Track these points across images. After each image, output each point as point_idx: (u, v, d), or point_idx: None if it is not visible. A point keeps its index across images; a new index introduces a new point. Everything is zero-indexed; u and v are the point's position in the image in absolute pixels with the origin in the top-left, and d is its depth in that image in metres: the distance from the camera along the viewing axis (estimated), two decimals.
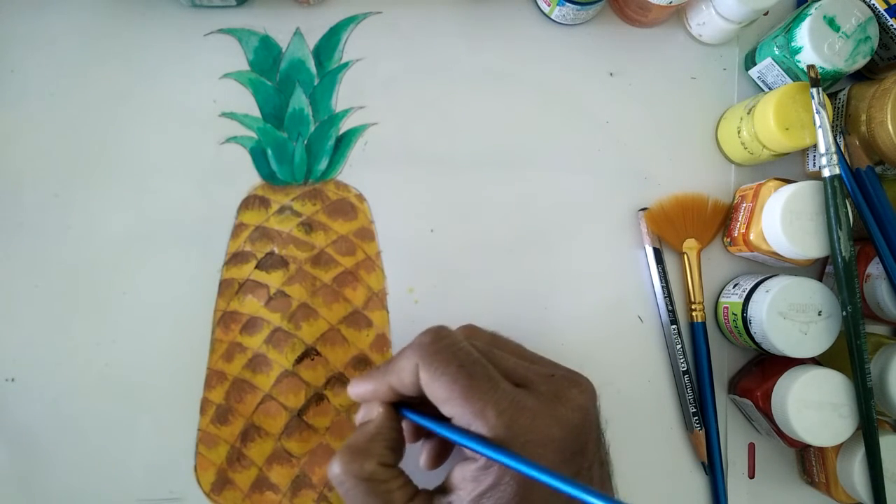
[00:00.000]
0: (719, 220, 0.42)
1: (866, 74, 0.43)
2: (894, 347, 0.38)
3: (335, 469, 0.29)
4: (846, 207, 0.36)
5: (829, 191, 0.36)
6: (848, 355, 0.36)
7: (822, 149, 0.37)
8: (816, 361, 0.39)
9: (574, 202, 0.43)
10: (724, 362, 0.43)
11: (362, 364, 0.40)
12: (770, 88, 0.43)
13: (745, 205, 0.41)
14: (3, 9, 0.41)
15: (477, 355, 0.29)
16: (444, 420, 0.29)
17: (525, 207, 0.42)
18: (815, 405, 0.36)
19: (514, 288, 0.42)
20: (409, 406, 0.31)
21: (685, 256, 0.42)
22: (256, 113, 0.42)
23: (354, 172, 0.42)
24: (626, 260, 0.43)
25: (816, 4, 0.38)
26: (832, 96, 0.42)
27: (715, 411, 0.41)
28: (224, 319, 0.40)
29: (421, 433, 0.34)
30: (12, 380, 0.39)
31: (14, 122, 0.40)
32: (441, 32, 0.43)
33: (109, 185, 0.40)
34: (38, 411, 0.39)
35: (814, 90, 0.37)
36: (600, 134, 0.43)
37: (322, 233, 0.41)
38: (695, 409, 0.41)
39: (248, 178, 0.41)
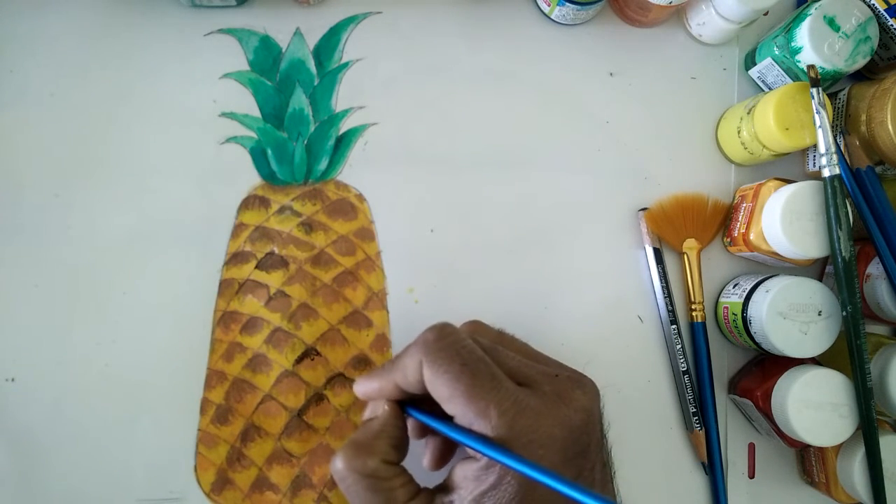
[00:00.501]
0: (719, 220, 0.42)
1: (866, 74, 0.43)
2: (894, 347, 0.38)
3: (338, 465, 0.28)
4: (846, 207, 0.36)
5: (829, 191, 0.36)
6: (848, 355, 0.36)
7: (822, 149, 0.37)
8: (816, 361, 0.39)
9: (574, 202, 0.43)
10: (724, 362, 0.43)
11: (362, 364, 0.40)
12: (770, 88, 0.43)
13: (745, 205, 0.41)
14: (3, 9, 0.41)
15: (480, 353, 0.29)
16: (448, 419, 0.29)
17: (525, 207, 0.42)
18: (815, 405, 0.36)
19: (514, 288, 0.42)
20: (414, 404, 0.31)
21: (685, 256, 0.42)
22: (256, 113, 0.42)
23: (354, 172, 0.42)
24: (626, 260, 0.43)
25: (816, 4, 0.38)
26: (832, 96, 0.42)
27: (715, 411, 0.41)
28: (224, 319, 0.40)
29: (426, 430, 0.34)
30: (12, 380, 0.39)
31: (14, 122, 0.40)
32: (441, 32, 0.43)
33: (109, 185, 0.40)
34: (38, 411, 0.39)
35: (814, 90, 0.37)
36: (600, 134, 0.43)
37: (322, 233, 0.41)
38: (695, 409, 0.41)
39: (248, 178, 0.41)
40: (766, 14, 0.45)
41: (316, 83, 0.42)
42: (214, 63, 0.42)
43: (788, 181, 0.39)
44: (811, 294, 0.37)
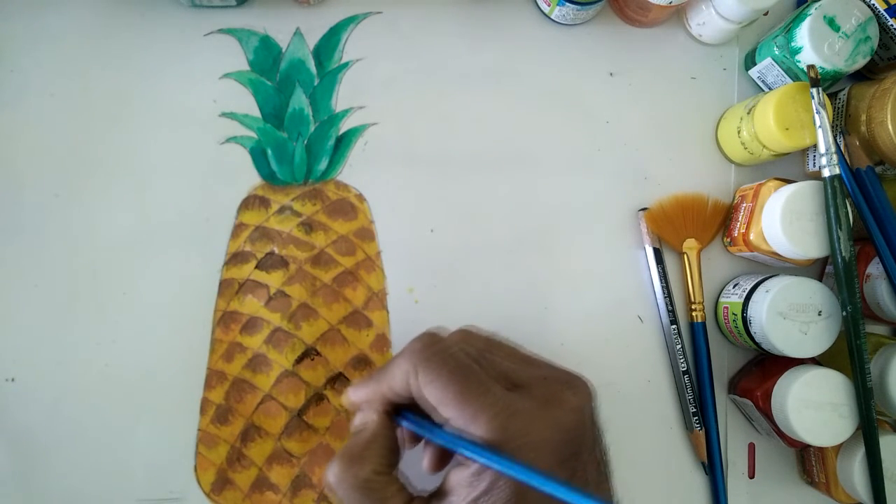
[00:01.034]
0: (719, 220, 0.42)
1: (866, 74, 0.43)
2: (894, 347, 0.38)
3: (330, 477, 0.29)
4: (846, 207, 0.36)
5: (829, 191, 0.36)
6: (848, 355, 0.36)
7: (822, 149, 0.37)
8: (816, 361, 0.39)
9: (574, 202, 0.43)
10: (724, 362, 0.43)
11: (362, 364, 0.40)
12: (770, 88, 0.43)
13: (745, 205, 0.41)
14: (3, 9, 0.41)
15: (468, 360, 0.29)
16: (439, 426, 0.29)
17: (525, 207, 0.42)
18: (815, 405, 0.36)
19: (514, 288, 0.42)
20: (407, 411, 0.31)
21: (685, 256, 0.42)
22: (256, 113, 0.42)
23: (354, 172, 0.42)
24: (626, 260, 0.43)
25: (816, 4, 0.38)
26: (832, 96, 0.42)
27: (715, 411, 0.41)
28: (224, 319, 0.40)
29: (419, 438, 0.34)
30: (12, 380, 0.39)
31: (14, 122, 0.40)
32: (441, 32, 0.43)
33: (109, 185, 0.40)
34: (38, 411, 0.39)
35: (814, 90, 0.37)
36: (600, 134, 0.43)
37: (322, 233, 0.41)
38: (695, 409, 0.41)
39: (248, 178, 0.41)
40: (766, 14, 0.45)
41: (316, 83, 0.42)
42: (214, 63, 0.42)
43: (788, 181, 0.39)
44: (811, 294, 0.37)
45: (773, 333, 0.37)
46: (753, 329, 0.38)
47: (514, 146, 0.43)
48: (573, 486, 0.24)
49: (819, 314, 0.37)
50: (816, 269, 0.44)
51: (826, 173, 0.36)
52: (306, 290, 0.40)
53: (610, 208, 0.43)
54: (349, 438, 0.31)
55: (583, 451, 0.29)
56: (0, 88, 0.41)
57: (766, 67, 0.42)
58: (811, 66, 0.37)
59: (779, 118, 0.38)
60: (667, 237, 0.42)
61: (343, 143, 0.42)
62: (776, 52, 0.40)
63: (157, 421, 0.39)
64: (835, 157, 0.36)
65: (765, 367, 0.41)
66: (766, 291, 0.37)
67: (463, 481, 0.27)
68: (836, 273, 0.36)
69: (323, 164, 0.42)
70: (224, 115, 0.41)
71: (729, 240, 0.42)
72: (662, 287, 0.42)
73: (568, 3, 0.40)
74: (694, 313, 0.42)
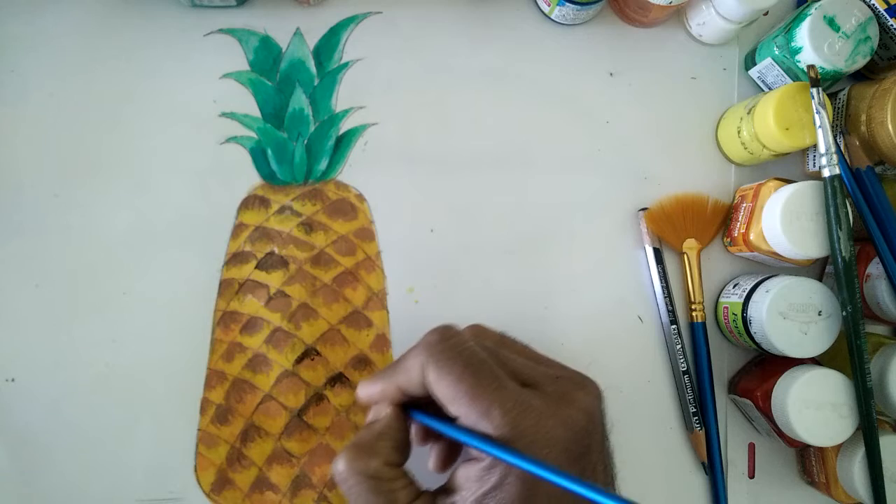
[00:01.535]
0: (719, 220, 0.42)
1: (866, 74, 0.43)
2: (894, 347, 0.38)
3: (339, 466, 0.28)
4: (846, 207, 0.36)
5: (829, 191, 0.36)
6: (848, 355, 0.36)
7: (822, 149, 0.37)
8: (816, 361, 0.39)
9: (574, 202, 0.43)
10: (724, 362, 0.43)
11: (362, 364, 0.40)
12: (770, 88, 0.43)
13: (745, 205, 0.41)
14: (3, 9, 0.41)
15: (483, 355, 0.29)
16: (452, 421, 0.29)
17: (525, 207, 0.42)
18: (815, 405, 0.36)
19: (514, 288, 0.42)
20: (418, 407, 0.31)
21: (685, 256, 0.42)
22: (256, 113, 0.42)
23: (354, 172, 0.42)
24: (626, 260, 0.43)
25: (816, 4, 0.38)
26: (832, 96, 0.42)
27: (715, 411, 0.41)
28: (224, 319, 0.40)
29: (430, 436, 0.34)
30: (12, 380, 0.39)
31: (14, 122, 0.40)
32: (441, 32, 0.43)
33: (109, 185, 0.40)
34: (38, 411, 0.39)
35: (814, 90, 0.37)
36: (600, 134, 0.43)
37: (322, 233, 0.41)
38: (695, 409, 0.41)
39: (248, 178, 0.41)
40: (766, 14, 0.45)
41: (316, 83, 0.42)
42: (214, 63, 0.42)
43: (788, 181, 0.39)
44: (811, 294, 0.37)
45: (773, 333, 0.37)
46: (753, 329, 0.38)
47: (515, 146, 0.43)
48: (586, 482, 0.24)
49: (819, 314, 0.37)
50: (816, 269, 0.44)
51: (826, 173, 0.36)
52: (306, 290, 0.40)
53: (610, 208, 0.43)
54: (360, 430, 0.31)
55: (592, 451, 0.29)
56: (0, 88, 0.41)
57: (766, 67, 0.42)
58: (811, 66, 0.37)
59: (779, 118, 0.38)
60: (667, 237, 0.42)
61: (343, 143, 0.42)
62: (776, 52, 0.40)
63: (157, 421, 0.39)
64: (835, 157, 0.36)
65: (765, 367, 0.41)
66: (766, 291, 0.37)
67: (472, 476, 0.27)
68: (836, 273, 0.36)
69: (323, 164, 0.42)
70: (224, 115, 0.41)
71: (729, 240, 0.42)
72: (662, 287, 0.42)
73: (568, 3, 0.40)
74: (694, 313, 0.42)
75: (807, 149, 0.42)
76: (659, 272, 0.42)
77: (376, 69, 0.42)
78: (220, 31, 0.42)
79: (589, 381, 0.31)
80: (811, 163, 0.43)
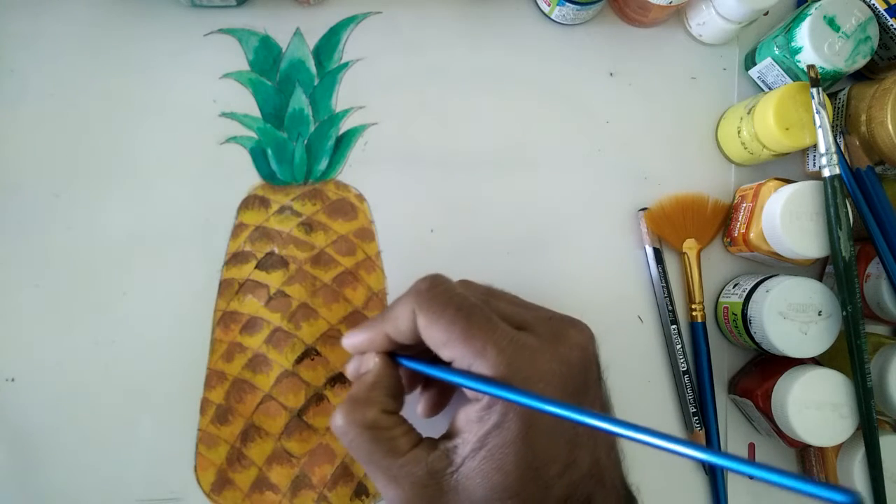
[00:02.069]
0: (719, 220, 0.42)
1: (866, 74, 0.43)
2: (894, 347, 0.38)
3: (338, 420, 0.29)
4: (846, 207, 0.36)
5: (829, 191, 0.36)
6: (848, 355, 0.36)
7: (822, 149, 0.37)
8: (816, 361, 0.39)
9: (574, 202, 0.43)
10: (724, 362, 0.43)
11: None
12: (770, 88, 0.43)
13: (745, 205, 0.41)
14: (3, 8, 0.41)
15: (474, 300, 0.29)
16: (445, 364, 0.29)
17: (525, 207, 0.42)
18: (815, 405, 0.36)
19: (513, 288, 0.42)
20: (404, 355, 0.31)
21: (685, 256, 0.42)
22: (256, 113, 0.42)
23: (354, 172, 0.42)
24: (626, 260, 0.43)
25: (816, 4, 0.38)
26: (832, 96, 0.42)
27: (715, 411, 0.41)
28: (224, 319, 0.40)
29: (416, 383, 0.34)
30: (12, 380, 0.39)
31: (14, 122, 0.40)
32: (441, 32, 0.43)
33: (109, 185, 0.40)
34: (38, 411, 0.39)
35: (814, 90, 0.37)
36: (600, 134, 0.43)
37: (322, 233, 0.41)
38: (695, 409, 0.41)
39: (248, 178, 0.41)
40: (766, 14, 0.45)
41: (316, 83, 0.42)
42: (214, 63, 0.42)
43: (788, 181, 0.39)
44: (811, 294, 0.37)
45: (773, 333, 0.37)
46: (753, 329, 0.38)
47: (515, 146, 0.43)
48: (585, 409, 0.24)
49: (819, 314, 0.37)
50: (816, 269, 0.44)
51: (826, 173, 0.36)
52: (306, 290, 0.40)
53: (610, 208, 0.43)
54: (353, 385, 0.31)
55: (589, 388, 0.29)
56: (0, 88, 0.41)
57: (766, 67, 0.42)
58: (811, 66, 0.37)
59: (779, 118, 0.38)
60: (667, 237, 0.42)
61: (343, 143, 0.42)
62: (776, 52, 0.40)
63: (157, 421, 0.39)
64: (835, 157, 0.36)
65: (765, 367, 0.41)
66: (766, 291, 0.38)
67: (473, 417, 0.27)
68: (836, 273, 0.36)
69: (323, 164, 0.42)
70: (224, 115, 0.41)
71: (729, 240, 0.42)
72: (662, 287, 0.42)
73: (568, 3, 0.40)
74: (694, 313, 0.42)
75: (807, 149, 0.42)
76: (659, 272, 0.42)
77: (376, 69, 0.42)
78: (220, 30, 0.42)
79: (580, 322, 0.31)
80: (811, 163, 0.43)
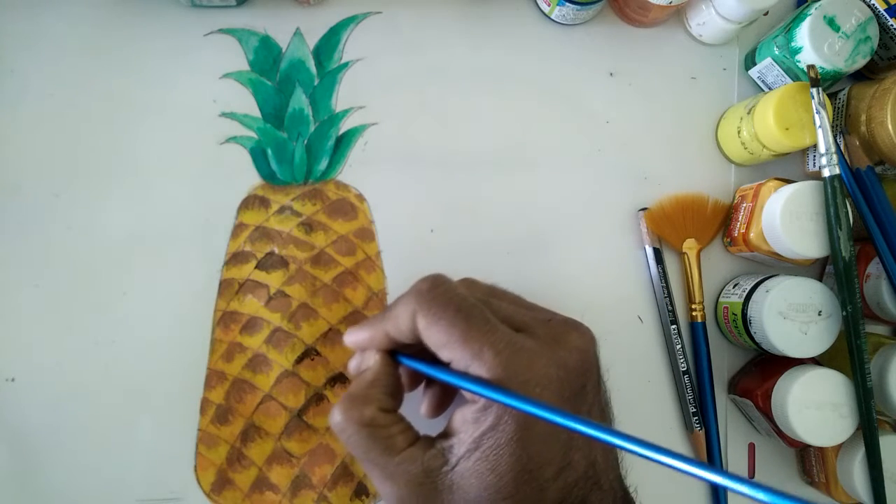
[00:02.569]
0: (719, 220, 0.42)
1: (866, 74, 0.43)
2: (894, 347, 0.38)
3: (336, 417, 0.29)
4: (846, 207, 0.36)
5: (829, 191, 0.36)
6: (848, 355, 0.36)
7: (822, 149, 0.37)
8: (816, 361, 0.39)
9: (574, 202, 0.43)
10: (724, 362, 0.43)
11: None
12: (770, 88, 0.43)
13: (745, 205, 0.41)
14: (3, 9, 0.41)
15: (474, 301, 0.29)
16: (443, 364, 0.29)
17: (525, 207, 0.42)
18: (815, 405, 0.36)
19: (513, 288, 0.42)
20: (404, 354, 0.31)
21: (685, 256, 0.42)
22: (256, 113, 0.42)
23: (354, 172, 0.42)
24: (626, 260, 0.43)
25: (816, 4, 0.38)
26: (832, 96, 0.42)
27: (715, 411, 0.41)
28: (224, 319, 0.40)
29: (417, 381, 0.34)
30: (12, 380, 0.39)
31: (14, 122, 0.40)
32: (441, 32, 0.43)
33: (109, 185, 0.40)
34: (38, 411, 0.39)
35: (814, 90, 0.37)
36: (600, 134, 0.43)
37: (322, 233, 0.41)
38: (695, 409, 0.41)
39: (248, 178, 0.41)
40: (766, 14, 0.45)
41: (316, 83, 0.42)
42: (214, 63, 0.42)
43: (788, 181, 0.39)
44: (811, 294, 0.37)
45: (773, 333, 0.37)
46: (753, 329, 0.38)
47: (514, 146, 0.43)
48: (578, 416, 0.24)
49: (819, 314, 0.37)
50: (816, 269, 0.44)
51: (826, 173, 0.36)
52: (306, 290, 0.40)
53: (610, 208, 0.43)
54: (353, 382, 0.31)
55: (587, 392, 0.29)
56: (0, 88, 0.41)
57: (766, 67, 0.42)
58: (811, 66, 0.37)
59: (779, 118, 0.38)
60: (667, 237, 0.42)
61: (343, 143, 0.42)
62: (776, 52, 0.40)
63: (157, 421, 0.39)
64: (835, 157, 0.36)
65: (765, 367, 0.41)
66: (766, 291, 0.37)
67: (469, 418, 0.27)
68: (836, 273, 0.36)
69: (323, 164, 0.42)
70: (224, 115, 0.41)
71: (729, 240, 0.42)
72: (662, 287, 0.42)
73: (568, 3, 0.40)
74: (694, 313, 0.42)
75: (807, 149, 0.42)
76: (659, 272, 0.42)
77: (376, 69, 0.42)
78: (220, 31, 0.42)
79: (581, 324, 0.31)
80: (811, 163, 0.43)
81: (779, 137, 0.38)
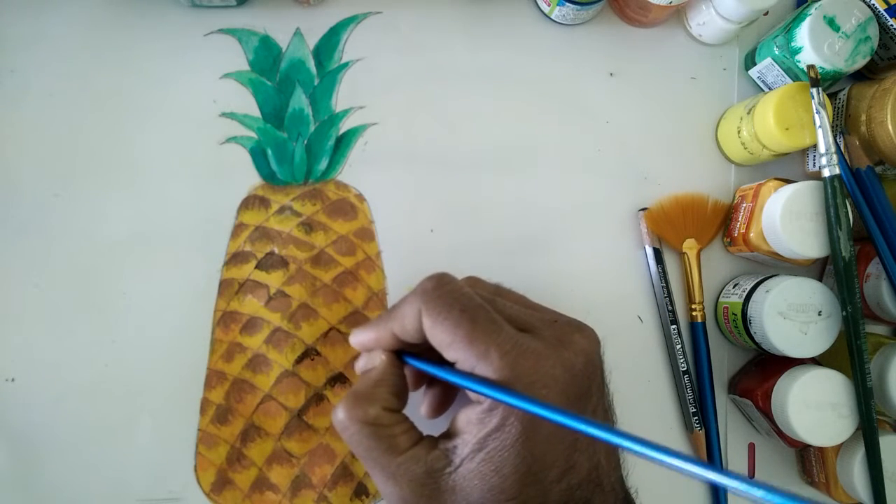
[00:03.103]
0: (719, 220, 0.42)
1: (866, 74, 0.43)
2: (894, 347, 0.38)
3: (339, 415, 0.29)
4: (846, 207, 0.36)
5: (829, 191, 0.36)
6: (848, 355, 0.36)
7: (822, 149, 0.37)
8: (816, 361, 0.39)
9: (574, 202, 0.43)
10: (724, 362, 0.43)
11: None
12: (770, 88, 0.43)
13: (745, 205, 0.41)
14: (3, 9, 0.41)
15: (479, 300, 0.29)
16: (448, 366, 0.29)
17: (525, 207, 0.42)
18: (815, 405, 0.36)
19: (513, 288, 0.42)
20: (410, 354, 0.31)
21: (685, 256, 0.42)
22: (256, 113, 0.42)
23: (354, 172, 0.42)
24: (626, 260, 0.43)
25: (816, 4, 0.38)
26: (832, 96, 0.42)
27: (715, 411, 0.41)
28: (224, 319, 0.40)
29: (421, 381, 0.34)
30: (12, 380, 0.39)
31: (14, 122, 0.40)
32: (441, 32, 0.43)
33: (109, 185, 0.40)
34: (38, 411, 0.39)
35: (814, 90, 0.37)
36: (600, 134, 0.43)
37: (322, 233, 0.41)
38: (695, 409, 0.41)
39: (248, 178, 0.41)
40: (766, 14, 0.45)
41: (316, 83, 0.42)
42: (214, 63, 0.42)
43: (788, 181, 0.39)
44: (811, 294, 0.37)
45: (773, 333, 0.37)
46: (753, 329, 0.38)
47: (514, 146, 0.43)
48: (586, 418, 0.24)
49: (819, 314, 0.37)
50: (816, 269, 0.44)
51: (826, 173, 0.36)
52: (306, 290, 0.40)
53: (610, 208, 0.43)
54: (358, 380, 0.31)
55: (591, 394, 0.29)
56: (0, 88, 0.41)
57: (766, 67, 0.42)
58: (811, 66, 0.37)
59: (779, 118, 0.38)
60: (667, 237, 0.42)
61: (343, 143, 0.42)
62: (776, 52, 0.40)
63: (157, 421, 0.39)
64: (835, 157, 0.36)
65: (765, 367, 0.41)
66: (766, 291, 0.37)
67: (473, 419, 0.27)
68: (836, 273, 0.36)
69: (323, 164, 0.42)
70: (224, 115, 0.41)
71: (729, 240, 0.42)
72: (662, 287, 0.42)
73: (568, 3, 0.40)
74: (694, 313, 0.42)
75: (807, 149, 0.42)
76: (659, 272, 0.42)
77: (376, 69, 0.42)
78: (220, 31, 0.42)
79: (586, 326, 0.31)
80: (811, 163, 0.43)
81: (779, 137, 0.38)
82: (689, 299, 0.42)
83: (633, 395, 0.42)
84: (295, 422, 0.39)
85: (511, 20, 0.44)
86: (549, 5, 0.42)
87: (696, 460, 0.22)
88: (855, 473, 0.37)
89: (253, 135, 0.41)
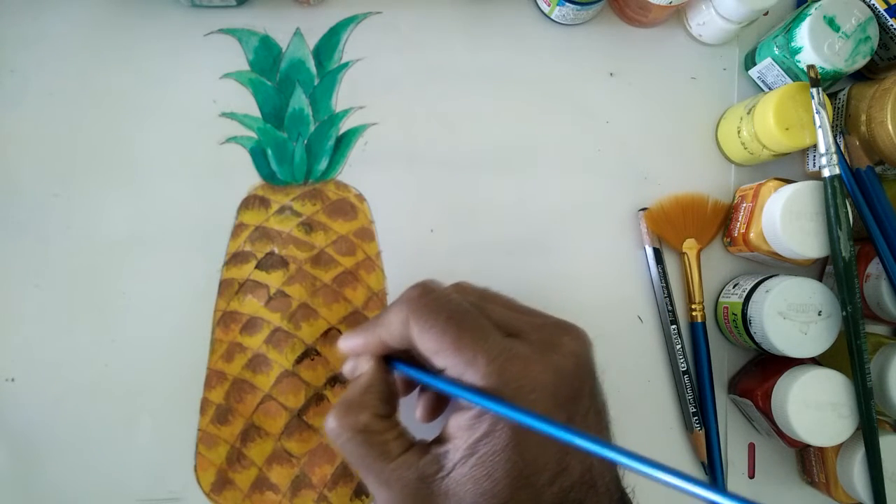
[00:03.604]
0: (719, 220, 0.42)
1: (866, 74, 0.43)
2: (894, 347, 0.38)
3: (330, 423, 0.29)
4: (846, 207, 0.36)
5: (829, 191, 0.36)
6: (848, 355, 0.36)
7: (822, 149, 0.37)
8: (816, 361, 0.39)
9: (574, 202, 0.43)
10: (724, 362, 0.43)
11: None
12: (770, 88, 0.43)
13: (745, 205, 0.41)
14: (3, 9, 0.41)
15: (466, 306, 0.29)
16: (437, 372, 0.29)
17: (525, 207, 0.42)
18: (815, 405, 0.36)
19: (513, 288, 0.42)
20: (400, 360, 0.31)
21: (685, 256, 0.42)
22: (256, 113, 0.42)
23: (354, 172, 0.42)
24: (626, 260, 0.43)
25: (816, 4, 0.38)
26: (832, 96, 0.42)
27: (715, 411, 0.41)
28: (224, 319, 0.40)
29: (413, 386, 0.34)
30: (12, 380, 0.39)
31: (14, 122, 0.40)
32: (441, 32, 0.43)
33: (109, 185, 0.40)
34: (38, 411, 0.39)
35: (814, 90, 0.37)
36: (600, 134, 0.43)
37: (322, 233, 0.41)
38: (695, 409, 0.41)
39: (248, 178, 0.41)
40: (766, 14, 0.45)
41: (316, 83, 0.42)
42: (214, 63, 0.42)
43: (788, 181, 0.39)
44: (811, 294, 0.37)
45: (773, 333, 0.37)
46: (753, 329, 0.38)
47: (514, 146, 0.43)
48: (569, 427, 0.24)
49: (819, 314, 0.37)
50: (816, 269, 0.44)
51: (826, 173, 0.36)
52: (306, 290, 0.40)
53: (610, 208, 0.43)
54: (347, 387, 0.31)
55: (582, 397, 0.29)
56: (0, 88, 0.41)
57: (766, 67, 0.42)
58: (811, 66, 0.37)
59: (779, 118, 0.38)
60: (667, 237, 0.42)
61: (343, 143, 0.42)
62: (776, 52, 0.40)
63: (157, 421, 0.39)
64: (835, 157, 0.36)
65: (765, 367, 0.41)
66: (766, 291, 0.38)
67: (463, 425, 0.27)
68: (836, 273, 0.36)
69: (323, 164, 0.42)
70: (224, 115, 0.41)
71: (729, 240, 0.42)
72: (662, 287, 0.42)
73: (568, 3, 0.41)
74: (694, 313, 0.42)
75: (807, 149, 0.42)
76: (659, 272, 0.42)
77: (376, 69, 0.42)
78: (220, 31, 0.42)
79: (575, 327, 0.31)
80: (811, 163, 0.43)
81: (779, 137, 0.38)
82: (689, 299, 0.42)
83: (633, 395, 0.42)
84: (295, 422, 0.39)
85: (511, 20, 0.44)
86: (549, 5, 0.42)
87: (671, 469, 0.22)
88: (855, 473, 0.37)
89: (253, 135, 0.41)
